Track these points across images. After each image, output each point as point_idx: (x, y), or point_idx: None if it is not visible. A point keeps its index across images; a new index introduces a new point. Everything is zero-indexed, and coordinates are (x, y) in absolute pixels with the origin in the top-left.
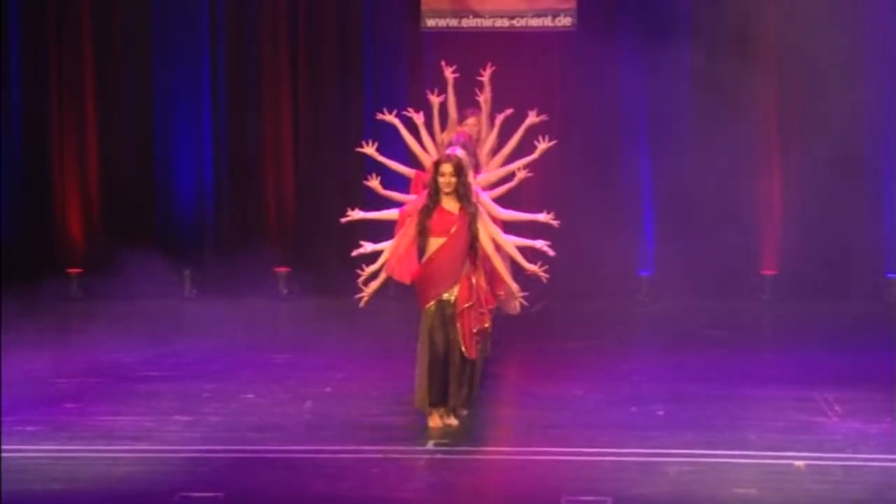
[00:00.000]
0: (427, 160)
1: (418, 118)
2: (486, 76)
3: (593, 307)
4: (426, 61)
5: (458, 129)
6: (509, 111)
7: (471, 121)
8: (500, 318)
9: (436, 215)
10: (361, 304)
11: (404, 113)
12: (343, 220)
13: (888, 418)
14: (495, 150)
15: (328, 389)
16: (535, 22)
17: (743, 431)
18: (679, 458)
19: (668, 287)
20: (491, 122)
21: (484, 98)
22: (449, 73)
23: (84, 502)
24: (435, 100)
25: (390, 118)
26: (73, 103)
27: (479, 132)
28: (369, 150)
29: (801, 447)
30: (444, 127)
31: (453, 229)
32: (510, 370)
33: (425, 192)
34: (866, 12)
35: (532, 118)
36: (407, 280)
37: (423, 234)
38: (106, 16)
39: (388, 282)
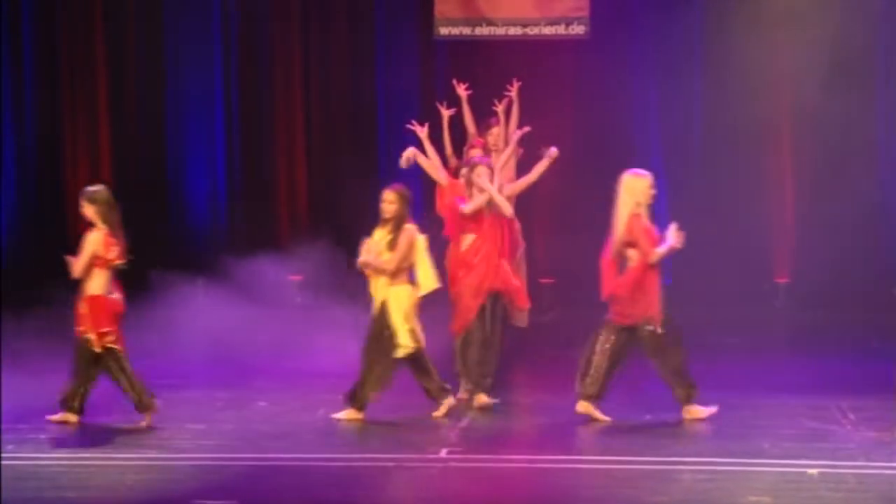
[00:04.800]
0: (434, 172)
1: (422, 132)
2: (513, 91)
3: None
4: (439, 69)
5: (480, 140)
6: (527, 129)
7: (494, 131)
8: (513, 328)
9: None
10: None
11: (408, 126)
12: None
13: None
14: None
15: (341, 397)
16: (548, 30)
17: (756, 439)
18: (693, 466)
19: (682, 295)
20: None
21: (502, 108)
22: (462, 91)
23: None
24: (445, 112)
25: (419, 129)
26: (86, 107)
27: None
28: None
29: (815, 455)
30: (462, 140)
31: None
32: (524, 379)
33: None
34: (876, 15)
35: (551, 154)
36: None
37: None
38: (118, 20)
39: None
